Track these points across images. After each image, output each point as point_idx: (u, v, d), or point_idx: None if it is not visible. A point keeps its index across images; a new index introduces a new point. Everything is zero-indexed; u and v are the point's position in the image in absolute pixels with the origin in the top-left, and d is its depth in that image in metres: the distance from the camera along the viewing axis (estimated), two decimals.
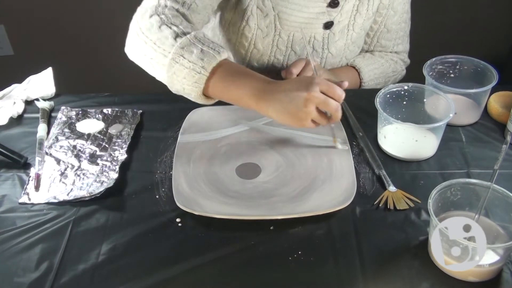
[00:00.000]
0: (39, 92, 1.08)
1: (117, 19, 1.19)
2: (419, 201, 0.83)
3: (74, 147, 0.95)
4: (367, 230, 0.79)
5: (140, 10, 0.91)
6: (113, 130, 0.99)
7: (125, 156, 0.92)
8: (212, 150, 0.94)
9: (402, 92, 0.95)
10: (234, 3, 1.06)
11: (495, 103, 1.01)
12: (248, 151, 0.94)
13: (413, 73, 1.16)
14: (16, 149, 0.93)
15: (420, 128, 0.91)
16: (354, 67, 1.18)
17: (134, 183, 0.88)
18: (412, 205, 0.83)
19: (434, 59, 1.02)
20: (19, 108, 1.04)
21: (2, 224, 0.81)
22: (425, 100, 0.96)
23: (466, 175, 0.88)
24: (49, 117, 1.03)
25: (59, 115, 1.03)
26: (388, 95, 0.95)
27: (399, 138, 0.92)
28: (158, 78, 0.88)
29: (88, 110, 1.04)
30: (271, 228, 0.80)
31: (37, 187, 0.86)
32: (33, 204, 0.84)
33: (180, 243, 0.78)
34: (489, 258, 0.70)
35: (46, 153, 0.93)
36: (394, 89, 0.95)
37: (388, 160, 0.92)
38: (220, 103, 0.90)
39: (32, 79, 1.12)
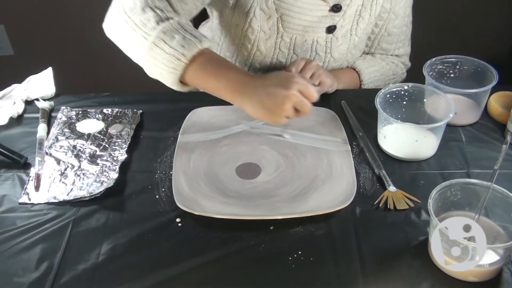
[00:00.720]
0: (39, 92, 1.08)
1: None
2: (419, 201, 0.83)
3: (74, 147, 0.95)
4: (367, 230, 0.79)
5: None
6: (113, 130, 0.99)
7: (125, 156, 0.92)
8: (212, 150, 0.94)
9: (402, 92, 0.95)
10: (232, 5, 1.06)
11: (495, 103, 1.01)
12: (248, 151, 0.94)
13: (413, 73, 1.16)
14: (16, 149, 0.93)
15: (420, 128, 0.91)
16: (354, 69, 1.18)
17: (134, 183, 0.88)
18: (412, 205, 0.83)
19: (434, 59, 1.02)
20: (19, 108, 1.04)
21: (2, 224, 0.81)
22: (425, 100, 0.96)
23: (466, 175, 0.88)
24: (49, 117, 1.03)
25: (59, 115, 1.03)
26: (388, 95, 0.95)
27: (399, 138, 0.92)
28: (134, 59, 0.87)
29: (88, 110, 1.04)
30: (271, 228, 0.80)
31: (37, 187, 0.86)
32: (33, 204, 0.84)
33: (180, 243, 0.78)
34: (489, 258, 0.70)
35: (46, 153, 0.93)
36: (394, 89, 0.95)
37: (388, 160, 0.92)
38: (220, 103, 0.90)
39: (32, 79, 1.12)
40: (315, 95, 0.80)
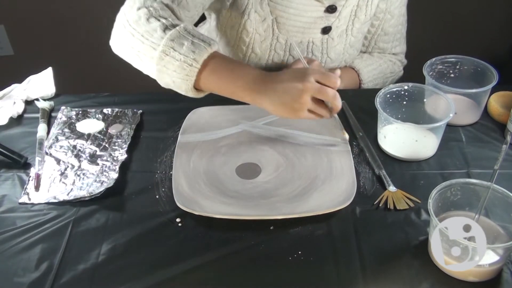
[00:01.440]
0: (39, 92, 1.08)
1: None
2: (419, 201, 0.83)
3: (74, 147, 0.95)
4: (367, 230, 0.79)
5: (128, 2, 0.90)
6: (113, 130, 0.99)
7: (125, 156, 0.92)
8: (212, 150, 0.94)
9: (402, 92, 0.95)
10: (229, 6, 1.05)
11: (495, 103, 1.01)
12: (248, 151, 0.94)
13: (413, 73, 1.16)
14: (16, 149, 0.93)
15: (420, 128, 0.91)
16: (353, 68, 1.18)
17: (134, 183, 0.88)
18: (412, 205, 0.83)
19: (434, 59, 1.02)
20: (19, 108, 1.04)
21: (2, 224, 0.81)
22: (425, 100, 0.96)
23: (466, 175, 0.88)
24: (49, 117, 1.03)
25: (59, 115, 1.03)
26: (388, 95, 0.95)
27: (399, 138, 0.92)
28: (145, 71, 0.86)
29: (88, 110, 1.04)
30: (271, 228, 0.80)
31: (37, 187, 0.86)
32: (33, 204, 0.84)
33: (180, 243, 0.78)
34: (489, 258, 0.70)
35: (46, 153, 0.93)
36: (394, 89, 0.95)
37: (388, 160, 0.92)
38: (220, 103, 0.90)
39: (32, 79, 1.12)
40: (335, 81, 0.79)
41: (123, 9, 0.89)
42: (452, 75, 1.03)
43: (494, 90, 1.00)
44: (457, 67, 1.02)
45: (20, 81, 1.11)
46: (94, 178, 0.88)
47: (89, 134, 0.98)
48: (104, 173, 0.89)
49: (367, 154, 0.93)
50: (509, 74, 1.15)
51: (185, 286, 0.72)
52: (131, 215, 0.82)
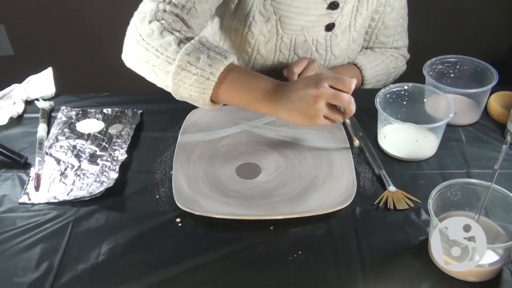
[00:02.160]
0: (39, 92, 1.08)
1: (117, 19, 1.19)
2: (419, 201, 0.83)
3: (74, 147, 0.95)
4: (367, 230, 0.79)
5: (138, 15, 0.88)
6: (113, 130, 0.99)
7: (125, 156, 0.92)
8: (212, 150, 0.94)
9: (402, 92, 0.95)
10: (234, 9, 1.05)
11: (495, 103, 1.01)
12: (248, 151, 0.94)
13: (413, 73, 1.16)
14: (16, 149, 0.93)
15: (420, 128, 0.91)
16: (355, 65, 1.18)
17: (134, 183, 0.88)
18: (412, 205, 0.83)
19: (434, 59, 1.02)
20: (19, 108, 1.05)
21: (2, 224, 0.81)
22: (425, 100, 0.96)
23: (466, 175, 0.88)
24: (49, 117, 1.03)
25: (59, 115, 1.03)
26: (388, 95, 0.95)
27: (399, 138, 0.92)
28: (159, 85, 0.85)
29: (88, 110, 1.04)
30: (271, 228, 0.80)
31: (37, 187, 0.86)
32: (33, 204, 0.84)
33: (180, 243, 0.78)
34: (489, 258, 0.70)
35: (46, 153, 0.93)
36: (394, 89, 0.95)
37: (388, 160, 0.92)
38: None
39: (32, 79, 1.12)
40: (350, 85, 0.78)
41: (133, 23, 0.87)
42: (452, 75, 1.03)
43: (494, 90, 1.00)
44: (457, 67, 1.03)
45: (20, 81, 1.11)
46: (94, 178, 0.88)
47: (89, 134, 0.98)
48: (104, 173, 0.89)
49: (367, 154, 0.93)
50: (509, 74, 1.15)
51: (185, 286, 0.72)
52: (131, 215, 0.82)
